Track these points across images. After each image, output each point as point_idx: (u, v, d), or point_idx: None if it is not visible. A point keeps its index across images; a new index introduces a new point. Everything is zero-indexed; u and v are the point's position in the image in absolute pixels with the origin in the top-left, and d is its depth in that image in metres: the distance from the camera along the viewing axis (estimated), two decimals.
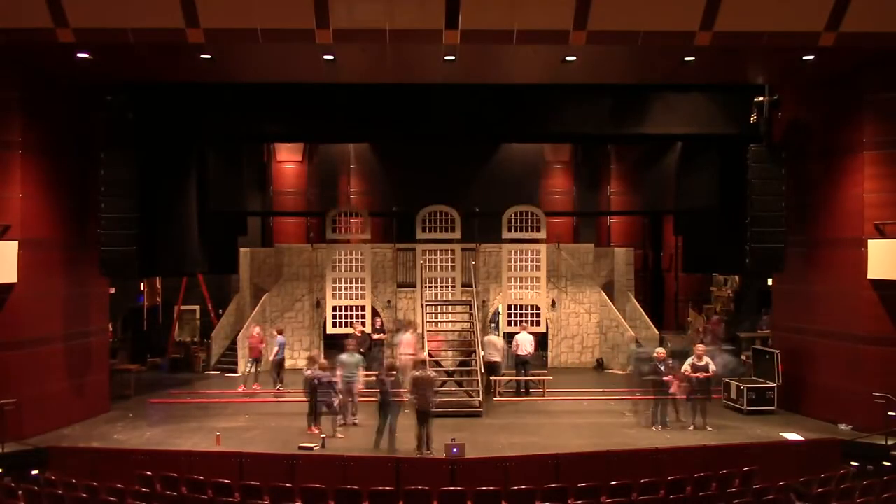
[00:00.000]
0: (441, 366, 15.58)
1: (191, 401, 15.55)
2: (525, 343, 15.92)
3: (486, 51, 11.98)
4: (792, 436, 12.43)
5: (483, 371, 15.14)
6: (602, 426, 13.57)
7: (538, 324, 17.50)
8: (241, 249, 19.40)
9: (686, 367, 13.26)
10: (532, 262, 17.75)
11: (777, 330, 15.20)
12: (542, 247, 17.89)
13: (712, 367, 13.28)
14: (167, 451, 11.78)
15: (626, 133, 15.34)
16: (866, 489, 9.28)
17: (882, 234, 12.61)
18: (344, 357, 13.57)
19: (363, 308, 17.68)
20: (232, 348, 19.20)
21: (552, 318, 19.28)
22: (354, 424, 13.43)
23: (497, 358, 15.77)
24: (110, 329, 16.58)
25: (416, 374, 11.97)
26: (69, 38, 11.19)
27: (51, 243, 13.08)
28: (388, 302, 18.99)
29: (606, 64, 12.85)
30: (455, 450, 11.25)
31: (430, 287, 17.83)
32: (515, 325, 17.13)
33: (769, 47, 11.71)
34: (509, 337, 16.79)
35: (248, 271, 20.14)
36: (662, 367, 13.31)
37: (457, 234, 17.96)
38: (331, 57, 12.15)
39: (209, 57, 12.14)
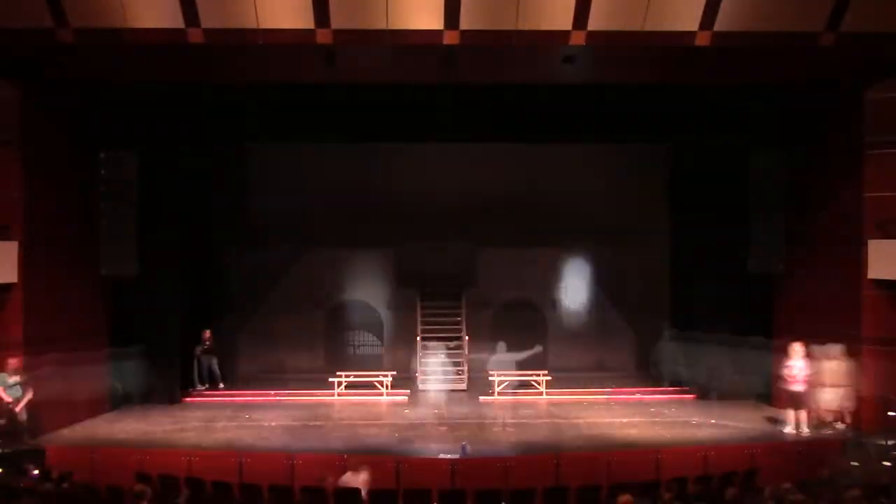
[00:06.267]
0: None
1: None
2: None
3: (486, 50, 11.97)
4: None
5: None
6: (602, 425, 13.61)
7: None
8: None
9: None
10: None
11: (777, 330, 15.17)
12: None
13: None
14: (167, 450, 11.79)
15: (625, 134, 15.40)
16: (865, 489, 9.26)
17: (882, 234, 12.59)
18: None
19: None
20: None
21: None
22: None
23: None
24: None
25: None
26: (69, 39, 11.18)
27: (51, 243, 13.06)
28: None
29: (604, 64, 12.82)
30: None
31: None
32: None
33: (769, 47, 11.71)
34: None
35: None
36: None
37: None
38: (331, 57, 12.14)
39: (210, 57, 12.12)
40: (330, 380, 15.94)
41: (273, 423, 13.59)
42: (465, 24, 11.13)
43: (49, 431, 12.59)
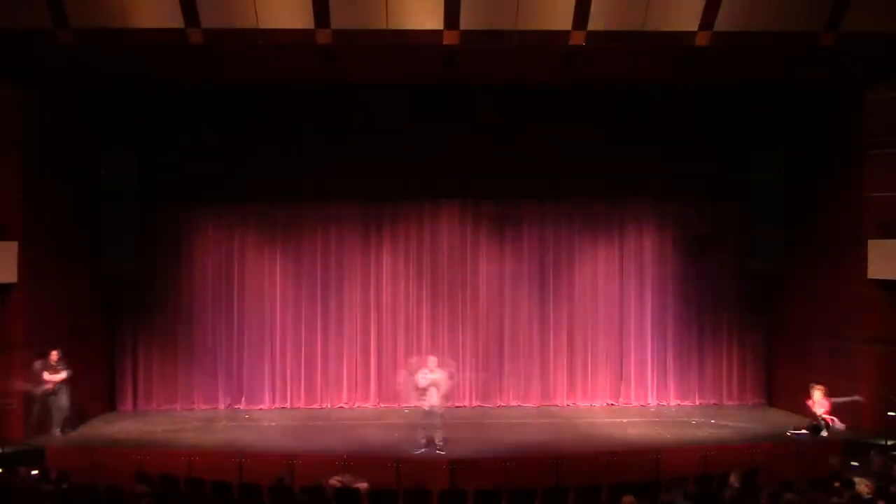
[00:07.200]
0: None
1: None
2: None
3: (486, 51, 11.97)
4: None
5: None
6: (602, 425, 13.60)
7: None
8: None
9: None
10: None
11: (777, 330, 15.18)
12: None
13: None
14: (167, 450, 11.80)
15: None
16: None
17: (882, 234, 12.59)
18: None
19: None
20: None
21: None
22: None
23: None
24: None
25: None
26: (69, 39, 11.18)
27: (51, 243, 13.06)
28: None
29: (604, 63, 12.82)
30: None
31: None
32: None
33: (769, 47, 11.71)
34: None
35: None
36: None
37: None
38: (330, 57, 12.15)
39: (210, 57, 12.11)
40: None
41: (273, 423, 13.60)
42: (465, 24, 11.13)
43: (49, 431, 12.58)
